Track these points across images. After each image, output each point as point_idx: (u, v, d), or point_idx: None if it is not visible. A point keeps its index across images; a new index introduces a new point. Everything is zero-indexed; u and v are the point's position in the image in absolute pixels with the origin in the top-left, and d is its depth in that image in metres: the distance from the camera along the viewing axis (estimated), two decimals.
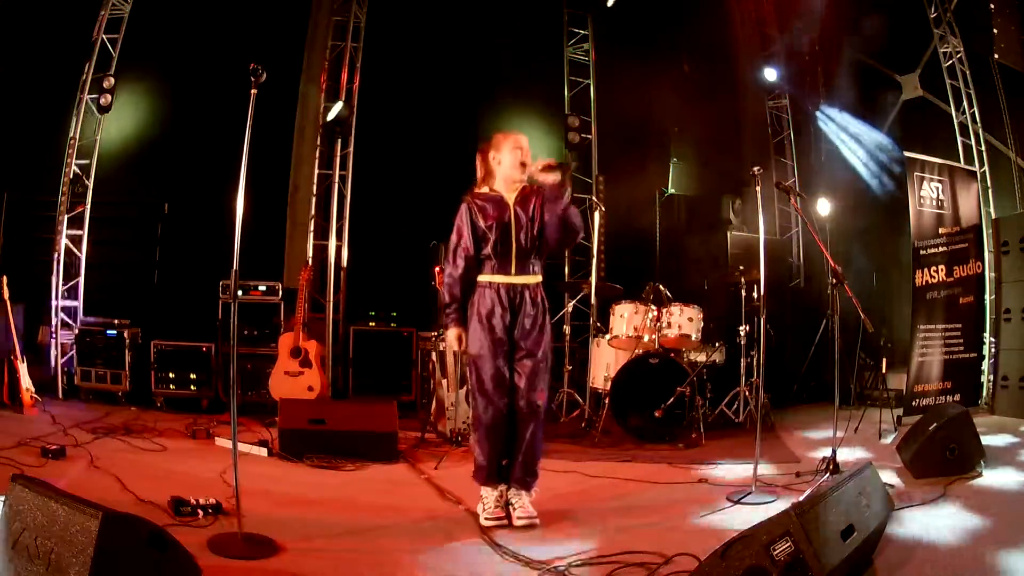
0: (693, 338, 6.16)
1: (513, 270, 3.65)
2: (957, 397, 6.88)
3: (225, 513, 3.41)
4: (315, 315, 7.58)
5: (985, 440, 5.11)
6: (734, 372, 6.56)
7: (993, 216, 7.74)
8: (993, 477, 4.38)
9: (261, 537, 3.11)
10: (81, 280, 7.40)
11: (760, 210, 4.29)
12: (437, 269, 5.34)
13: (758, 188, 4.33)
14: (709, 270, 8.26)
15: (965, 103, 8.06)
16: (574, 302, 7.86)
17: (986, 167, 8.01)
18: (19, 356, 5.97)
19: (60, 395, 6.91)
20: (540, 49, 9.01)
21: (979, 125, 8.03)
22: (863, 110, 9.32)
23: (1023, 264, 6.98)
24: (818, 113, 9.62)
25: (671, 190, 9.23)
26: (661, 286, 6.45)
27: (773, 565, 2.37)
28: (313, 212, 7.82)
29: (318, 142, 7.87)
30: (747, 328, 6.20)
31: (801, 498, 3.41)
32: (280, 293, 7.16)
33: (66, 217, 7.29)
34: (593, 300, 6.71)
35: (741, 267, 6.51)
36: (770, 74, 9.61)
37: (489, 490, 3.63)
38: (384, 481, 4.47)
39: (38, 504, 2.36)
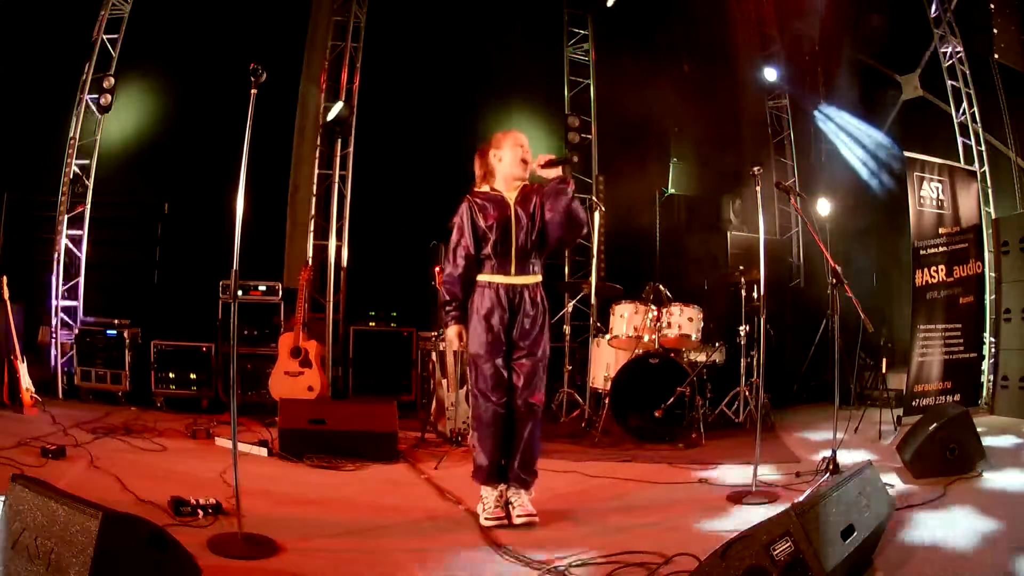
0: (693, 338, 6.16)
1: (513, 270, 3.65)
2: (957, 397, 6.88)
3: (225, 513, 3.41)
4: (315, 315, 7.58)
5: (988, 441, 5.12)
6: (734, 372, 6.56)
7: (993, 216, 7.74)
8: (995, 478, 4.37)
9: (261, 537, 3.11)
10: (81, 280, 7.40)
11: (760, 210, 4.29)
12: (437, 269, 5.33)
13: (758, 188, 4.33)
14: (709, 270, 8.26)
15: (965, 103, 8.05)
16: (574, 302, 7.86)
17: (986, 167, 8.01)
18: (19, 356, 5.97)
19: (60, 395, 6.91)
20: (540, 49, 9.01)
21: (979, 125, 8.03)
22: (863, 110, 9.31)
23: (1023, 264, 6.98)
24: (817, 112, 9.62)
25: (671, 190, 9.23)
26: (661, 286, 6.45)
27: (773, 565, 2.37)
28: (313, 212, 7.82)
29: (318, 142, 7.87)
30: (747, 328, 6.20)
31: (801, 498, 3.41)
32: (280, 293, 7.16)
33: (66, 217, 7.29)
34: (593, 300, 6.71)
35: (741, 267, 6.52)
36: (770, 74, 9.61)
37: (489, 490, 3.63)
38: (384, 481, 4.47)
39: (38, 504, 2.36)
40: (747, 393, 6.47)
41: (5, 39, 7.38)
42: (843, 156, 9.44)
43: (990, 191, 7.96)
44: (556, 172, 3.66)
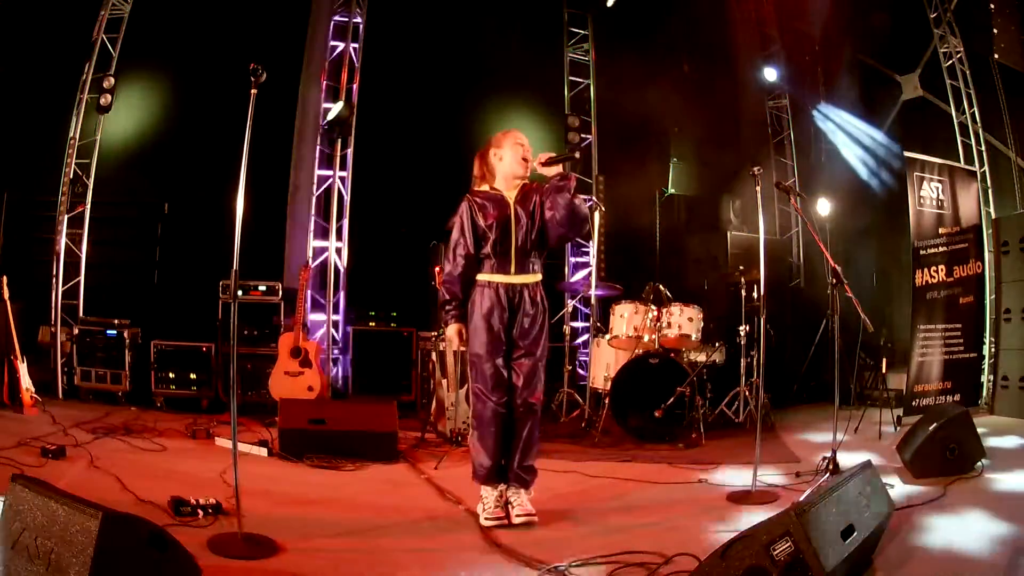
0: (693, 338, 6.16)
1: (513, 269, 3.65)
2: (957, 397, 6.88)
3: (225, 513, 3.41)
4: (315, 315, 7.59)
5: (991, 442, 5.12)
6: (734, 372, 6.56)
7: (993, 216, 7.74)
8: (996, 477, 4.38)
9: (261, 537, 3.11)
10: (81, 280, 7.40)
11: (760, 210, 4.29)
12: (437, 269, 5.34)
13: (758, 188, 4.33)
14: (709, 270, 8.27)
15: (965, 103, 8.06)
16: (574, 302, 7.87)
17: (986, 167, 8.01)
18: (19, 356, 5.97)
19: (60, 395, 6.90)
20: (540, 49, 9.01)
21: (979, 125, 8.03)
22: (863, 110, 9.32)
23: (1023, 264, 6.98)
24: (815, 112, 9.62)
25: (671, 190, 9.23)
26: (661, 286, 6.45)
27: (773, 565, 2.37)
28: (313, 212, 7.82)
29: (318, 142, 7.87)
30: (747, 328, 6.20)
31: (801, 498, 3.41)
32: (280, 293, 7.16)
33: (66, 217, 7.29)
34: (593, 300, 6.71)
35: (741, 267, 6.52)
36: (770, 74, 9.62)
37: (489, 490, 3.63)
38: (384, 481, 4.47)
39: (38, 504, 2.36)
40: (747, 393, 6.46)
41: (5, 39, 7.38)
42: (843, 156, 9.45)
43: (990, 191, 7.97)
44: (557, 170, 3.66)
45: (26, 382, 5.96)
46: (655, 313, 6.18)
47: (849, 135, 9.44)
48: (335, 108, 7.68)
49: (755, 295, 6.03)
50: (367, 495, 4.15)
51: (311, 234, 7.79)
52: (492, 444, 3.60)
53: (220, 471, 4.20)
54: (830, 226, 9.11)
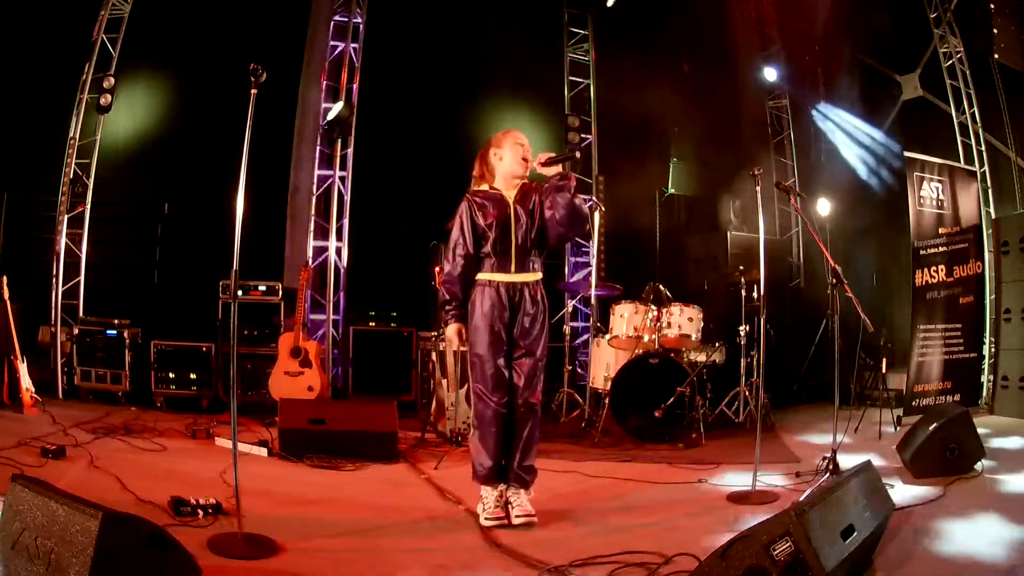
0: (693, 338, 6.16)
1: (513, 268, 3.65)
2: (957, 397, 6.89)
3: (225, 513, 3.41)
4: (315, 315, 7.59)
5: (993, 443, 5.12)
6: (734, 372, 6.56)
7: (993, 216, 7.74)
8: (996, 478, 4.38)
9: (261, 537, 3.11)
10: (81, 280, 7.40)
11: (760, 210, 4.29)
12: (437, 269, 5.34)
13: (758, 188, 4.33)
14: (709, 270, 8.27)
15: (965, 103, 8.06)
16: (574, 302, 7.87)
17: (986, 167, 8.01)
18: (19, 356, 5.97)
19: (60, 395, 6.90)
20: (540, 49, 9.01)
21: (979, 125, 8.03)
22: (863, 110, 9.31)
23: (1023, 264, 6.98)
24: (815, 112, 9.62)
25: (671, 190, 9.23)
26: (661, 286, 6.45)
27: (773, 565, 2.37)
28: (313, 212, 7.82)
29: (318, 142, 7.87)
30: (747, 328, 6.20)
31: (801, 498, 3.42)
32: (280, 293, 7.16)
33: (66, 217, 7.29)
34: (593, 300, 6.71)
35: (741, 267, 6.52)
36: (770, 74, 9.61)
37: (489, 490, 3.63)
38: (384, 481, 4.47)
39: (38, 504, 2.36)
40: (747, 393, 6.46)
41: (5, 39, 7.38)
42: (843, 156, 9.45)
43: (990, 191, 7.97)
44: (556, 170, 3.66)
45: (26, 382, 5.97)
46: (655, 313, 6.18)
47: (849, 135, 9.43)
48: (335, 108, 7.68)
49: (755, 295, 6.03)
50: (367, 495, 4.15)
51: (311, 234, 7.79)
52: (493, 444, 3.60)
53: (220, 471, 4.20)
54: (830, 226, 9.11)
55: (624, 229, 8.71)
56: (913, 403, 6.63)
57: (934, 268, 6.91)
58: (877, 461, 3.92)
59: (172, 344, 6.87)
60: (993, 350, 7.28)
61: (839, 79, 9.41)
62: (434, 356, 6.28)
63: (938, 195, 7.04)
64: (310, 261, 7.55)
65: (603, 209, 7.55)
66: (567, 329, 6.93)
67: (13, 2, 7.32)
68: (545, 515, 3.61)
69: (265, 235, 7.74)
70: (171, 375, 6.84)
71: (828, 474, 4.26)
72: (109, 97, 7.27)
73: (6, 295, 6.08)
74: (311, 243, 7.78)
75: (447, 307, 3.71)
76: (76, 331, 6.97)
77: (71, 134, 7.34)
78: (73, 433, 5.16)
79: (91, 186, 7.42)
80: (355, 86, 7.88)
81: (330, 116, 7.73)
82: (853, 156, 9.39)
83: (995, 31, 8.31)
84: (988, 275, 7.43)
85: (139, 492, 3.67)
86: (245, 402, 6.61)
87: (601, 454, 5.37)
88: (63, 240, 7.28)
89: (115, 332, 6.86)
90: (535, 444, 3.70)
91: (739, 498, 4.01)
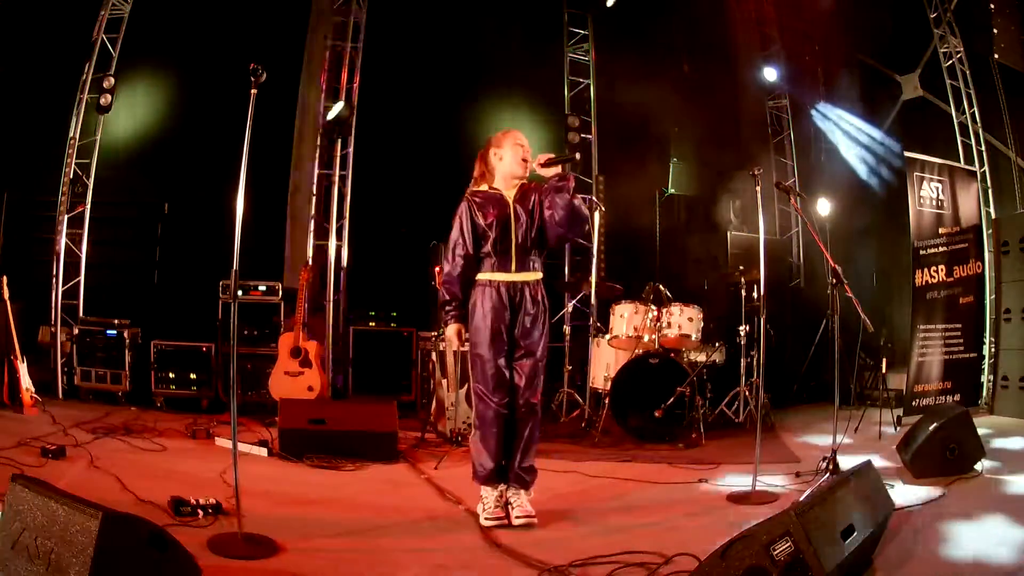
0: (693, 338, 6.16)
1: (513, 267, 3.65)
2: (957, 397, 6.89)
3: (225, 513, 3.41)
4: (315, 315, 7.58)
5: (995, 443, 5.11)
6: (734, 372, 6.56)
7: (993, 216, 7.74)
8: (996, 478, 4.38)
9: (261, 537, 3.11)
10: (81, 280, 7.40)
11: (760, 210, 4.29)
12: (437, 269, 5.34)
13: (758, 188, 4.33)
14: (709, 270, 8.26)
15: (965, 103, 8.06)
16: (574, 302, 7.87)
17: (986, 167, 8.01)
18: (19, 356, 5.97)
19: (60, 395, 6.90)
20: (540, 49, 9.01)
21: (979, 125, 8.03)
22: (863, 110, 9.31)
23: (1023, 264, 6.98)
24: (815, 112, 9.62)
25: (671, 190, 9.23)
26: (661, 286, 6.45)
27: (773, 565, 2.37)
28: (313, 212, 7.82)
29: (318, 142, 7.87)
30: (747, 328, 6.20)
31: (801, 498, 3.42)
32: (280, 293, 7.16)
33: (66, 217, 7.29)
34: (593, 300, 6.71)
35: (741, 267, 6.52)
36: (770, 74, 9.61)
37: (489, 490, 3.63)
38: (384, 481, 4.47)
39: (38, 504, 2.36)
40: (747, 393, 6.46)
41: (5, 39, 7.38)
42: (843, 156, 9.44)
43: (990, 191, 7.97)
44: (556, 171, 3.66)
45: (26, 382, 5.97)
46: (655, 313, 6.18)
47: (849, 135, 9.43)
48: (335, 108, 7.68)
49: (755, 295, 6.03)
50: (367, 495, 4.15)
51: (311, 234, 7.79)
52: (494, 445, 3.60)
53: (220, 471, 4.20)
54: (830, 226, 9.10)
55: (624, 229, 8.70)
56: (913, 403, 6.63)
57: (934, 268, 6.91)
58: (877, 461, 3.92)
59: (172, 344, 6.87)
60: (993, 350, 7.28)
61: (839, 79, 9.41)
62: (434, 356, 6.28)
63: (938, 195, 7.04)
64: (310, 261, 7.55)
65: (603, 209, 7.55)
66: (567, 329, 6.93)
67: (13, 2, 7.33)
68: (545, 515, 3.61)
69: (265, 235, 7.74)
70: (171, 375, 6.84)
71: (828, 474, 4.26)
72: (109, 97, 7.27)
73: (6, 295, 6.08)
74: (311, 243, 7.77)
75: (447, 307, 3.71)
76: (76, 331, 6.98)
77: (71, 134, 7.34)
78: (73, 433, 5.16)
79: (91, 186, 7.43)
80: (355, 86, 7.88)
81: (330, 116, 7.73)
82: (853, 156, 9.39)
83: (995, 31, 8.31)
84: (988, 275, 7.43)
85: (139, 492, 3.67)
86: (245, 402, 6.61)
87: (601, 454, 5.37)
88: (63, 240, 7.28)
89: (115, 332, 6.86)
90: (535, 444, 3.71)
91: (739, 498, 4.01)
